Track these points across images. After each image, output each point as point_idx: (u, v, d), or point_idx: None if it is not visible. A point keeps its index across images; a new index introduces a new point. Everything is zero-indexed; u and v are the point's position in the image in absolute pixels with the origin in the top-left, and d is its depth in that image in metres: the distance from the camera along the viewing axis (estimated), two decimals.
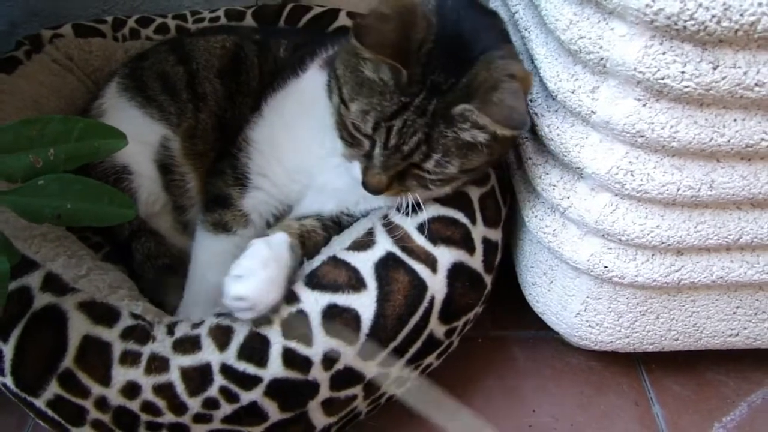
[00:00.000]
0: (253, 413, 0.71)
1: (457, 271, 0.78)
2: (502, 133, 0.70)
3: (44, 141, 0.61)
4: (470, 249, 0.80)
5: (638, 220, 0.75)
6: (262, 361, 0.70)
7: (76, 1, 1.25)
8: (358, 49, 0.68)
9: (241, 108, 0.96)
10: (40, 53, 1.07)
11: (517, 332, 1.02)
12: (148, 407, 0.70)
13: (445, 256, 0.77)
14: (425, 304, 0.75)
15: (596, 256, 0.79)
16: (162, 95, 0.96)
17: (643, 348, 0.89)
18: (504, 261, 0.90)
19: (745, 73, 0.63)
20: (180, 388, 0.70)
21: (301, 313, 0.71)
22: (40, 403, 0.71)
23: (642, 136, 0.69)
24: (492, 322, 1.01)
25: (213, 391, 0.70)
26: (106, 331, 0.71)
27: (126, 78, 0.99)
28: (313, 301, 0.72)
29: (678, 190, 0.72)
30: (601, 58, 0.68)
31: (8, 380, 0.71)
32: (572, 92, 0.72)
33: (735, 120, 0.68)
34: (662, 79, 0.65)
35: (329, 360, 0.71)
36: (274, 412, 0.72)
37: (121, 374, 0.70)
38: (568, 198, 0.78)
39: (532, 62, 0.82)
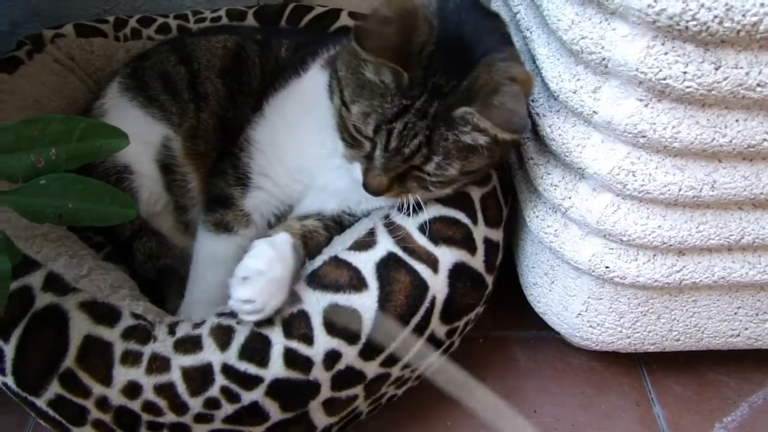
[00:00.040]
0: (254, 413, 0.71)
1: (458, 272, 0.78)
2: (503, 137, 0.70)
3: (46, 141, 0.61)
4: (471, 249, 0.80)
5: (640, 220, 0.75)
6: (263, 361, 0.70)
7: (78, 1, 1.25)
8: (359, 52, 0.68)
9: (243, 108, 0.96)
10: (41, 53, 1.07)
11: (519, 332, 1.02)
12: (149, 407, 0.70)
13: (447, 256, 0.77)
14: (426, 304, 0.75)
15: (598, 256, 0.79)
16: (163, 95, 0.96)
17: (644, 348, 0.89)
18: (505, 261, 0.90)
19: (747, 74, 0.63)
20: (181, 388, 0.70)
21: (303, 313, 0.71)
22: (41, 402, 0.71)
23: (644, 137, 0.69)
24: (493, 322, 1.01)
25: (214, 391, 0.70)
26: (108, 331, 0.71)
27: (127, 78, 0.99)
28: (315, 301, 0.72)
29: (680, 190, 0.72)
30: (603, 59, 0.67)
31: (9, 380, 0.71)
32: (574, 92, 0.72)
33: (737, 120, 0.68)
34: (664, 79, 0.65)
35: (330, 360, 0.71)
36: (275, 412, 0.72)
37: (122, 374, 0.70)
38: (570, 198, 0.78)
39: (534, 62, 0.82)
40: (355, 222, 0.86)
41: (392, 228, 0.78)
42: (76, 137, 0.62)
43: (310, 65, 0.88)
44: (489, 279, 0.83)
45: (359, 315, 0.72)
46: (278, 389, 0.71)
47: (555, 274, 0.87)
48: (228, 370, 0.70)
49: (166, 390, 0.70)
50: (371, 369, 0.74)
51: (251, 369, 0.70)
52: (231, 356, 0.70)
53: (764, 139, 0.68)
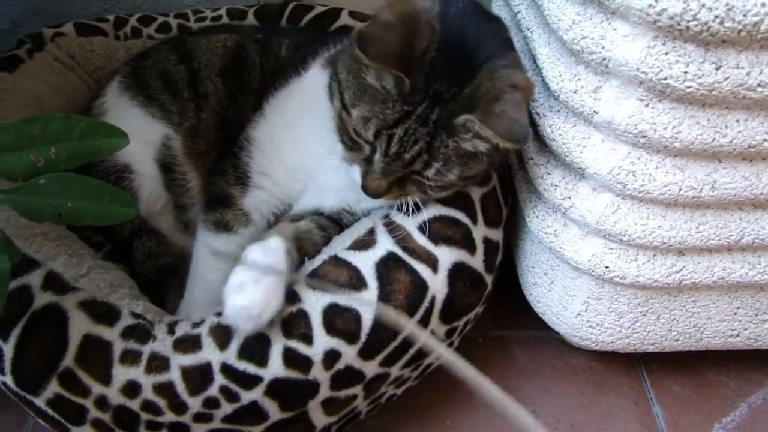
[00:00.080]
0: (253, 413, 0.71)
1: (458, 271, 0.78)
2: (504, 146, 0.70)
3: (45, 140, 0.61)
4: (471, 249, 0.80)
5: (640, 220, 0.75)
6: (262, 360, 0.70)
7: (78, 0, 1.25)
8: (362, 58, 0.67)
9: (243, 107, 0.96)
10: (41, 52, 1.07)
11: (518, 332, 1.02)
12: (149, 406, 0.70)
13: (446, 256, 0.77)
14: (426, 303, 0.75)
15: (597, 256, 0.79)
16: (163, 94, 0.96)
17: (643, 348, 0.89)
18: (505, 261, 0.90)
19: (747, 74, 0.63)
20: (180, 388, 0.70)
21: (302, 313, 0.71)
22: (40, 402, 0.71)
23: (644, 137, 0.69)
24: (493, 322, 1.01)
25: (213, 391, 0.70)
26: (107, 330, 0.71)
27: (127, 77, 0.99)
28: (314, 301, 0.72)
29: (680, 190, 0.72)
30: (604, 59, 0.67)
31: (8, 379, 0.71)
32: (574, 92, 0.72)
33: (737, 120, 0.68)
34: (665, 79, 0.64)
35: (330, 359, 0.71)
36: (274, 412, 0.72)
37: (121, 373, 0.70)
38: (570, 198, 0.78)
39: (535, 62, 0.82)
40: (354, 221, 0.86)
41: (392, 227, 0.78)
42: (76, 136, 0.62)
43: (310, 64, 0.88)
44: (488, 279, 0.83)
45: (359, 315, 0.72)
46: (277, 389, 0.71)
47: (555, 274, 0.87)
48: (227, 369, 0.70)
49: (165, 389, 0.70)
50: (371, 368, 0.74)
51: (250, 368, 0.70)
52: (230, 356, 0.70)
53: (765, 140, 0.68)
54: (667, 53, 0.64)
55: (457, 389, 0.89)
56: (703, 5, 0.59)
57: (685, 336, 0.87)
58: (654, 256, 0.78)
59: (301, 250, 0.80)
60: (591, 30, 0.68)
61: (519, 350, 1.00)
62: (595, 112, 0.71)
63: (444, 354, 0.59)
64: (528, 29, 0.85)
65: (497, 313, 0.99)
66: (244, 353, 0.70)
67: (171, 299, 0.89)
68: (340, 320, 0.71)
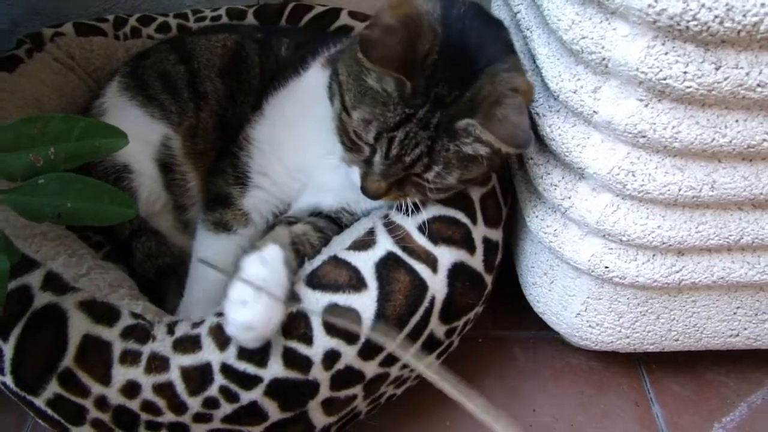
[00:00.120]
0: (253, 413, 0.71)
1: (457, 271, 0.78)
2: (506, 151, 0.70)
3: (45, 140, 0.61)
4: (471, 249, 0.80)
5: (639, 220, 0.75)
6: (262, 360, 0.70)
7: (78, 0, 1.25)
8: (364, 62, 0.67)
9: (242, 107, 0.96)
10: (41, 52, 1.07)
11: (518, 332, 1.02)
12: (148, 406, 0.70)
13: (446, 255, 0.77)
14: (426, 303, 0.75)
15: (597, 256, 0.79)
16: (163, 94, 0.96)
17: (643, 348, 0.89)
18: (504, 261, 0.90)
19: (747, 74, 0.63)
20: (180, 388, 0.69)
21: (302, 313, 0.71)
22: (39, 402, 0.71)
23: (644, 137, 0.69)
24: (492, 322, 1.01)
25: (213, 391, 0.70)
26: (107, 331, 0.71)
27: (127, 77, 0.99)
28: (314, 301, 0.72)
29: (679, 190, 0.72)
30: (603, 59, 0.67)
31: (8, 379, 0.71)
32: (574, 92, 0.72)
33: (737, 120, 0.68)
34: (664, 79, 0.64)
35: (329, 360, 0.71)
36: (274, 412, 0.72)
37: (121, 373, 0.69)
38: (570, 198, 0.78)
39: (534, 62, 0.82)
40: (354, 221, 0.86)
41: (392, 228, 0.78)
42: (75, 136, 0.62)
43: (310, 64, 0.88)
44: (488, 279, 0.83)
45: (358, 315, 0.72)
46: (277, 389, 0.71)
47: (554, 274, 0.87)
48: (227, 369, 0.70)
49: (165, 389, 0.69)
50: (370, 369, 0.74)
51: (250, 369, 0.70)
52: (230, 356, 0.70)
53: (764, 140, 0.68)
54: (666, 53, 0.64)
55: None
56: (703, 5, 0.59)
57: (684, 336, 0.87)
58: (653, 256, 0.78)
59: (299, 254, 0.80)
60: (590, 30, 0.68)
61: (519, 350, 1.00)
62: (594, 112, 0.71)
63: (428, 374, 0.60)
64: (527, 29, 0.85)
65: (497, 313, 0.99)
66: (244, 353, 0.70)
67: (170, 299, 0.89)
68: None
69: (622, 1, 0.63)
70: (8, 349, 0.70)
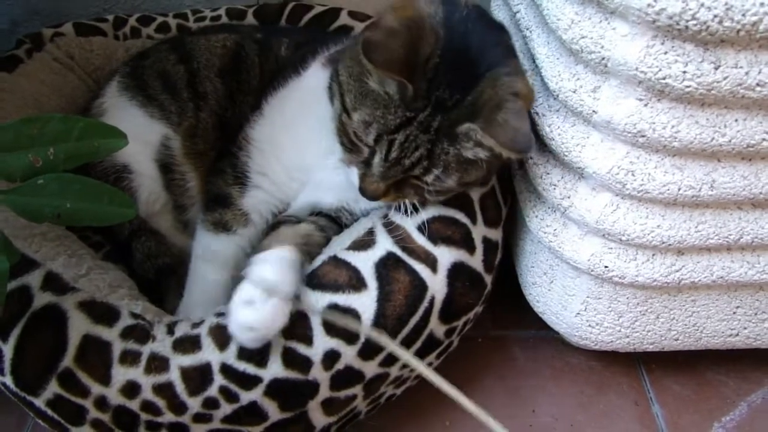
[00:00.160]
0: (252, 413, 0.71)
1: (457, 271, 0.78)
2: (508, 155, 0.70)
3: (44, 140, 0.61)
4: (470, 249, 0.80)
5: (639, 219, 0.75)
6: (262, 361, 0.70)
7: (77, 0, 1.25)
8: (366, 64, 0.67)
9: (242, 107, 0.96)
10: (41, 52, 1.07)
11: (518, 332, 1.02)
12: (148, 407, 0.70)
13: (446, 255, 0.77)
14: (425, 303, 0.75)
15: (597, 255, 0.79)
16: (163, 94, 0.96)
17: (643, 348, 0.89)
18: (504, 261, 0.90)
19: (746, 73, 0.63)
20: (180, 388, 0.70)
21: (302, 313, 0.71)
22: (39, 402, 0.71)
23: (643, 136, 0.69)
24: (492, 321, 1.01)
25: (213, 391, 0.70)
26: (106, 331, 0.71)
27: (127, 77, 0.99)
28: (314, 301, 0.72)
29: (679, 189, 0.72)
30: (603, 58, 0.67)
31: (8, 380, 0.71)
32: (573, 92, 0.72)
33: (736, 120, 0.68)
34: (664, 78, 0.64)
35: (329, 360, 0.71)
36: (274, 412, 0.72)
37: (120, 374, 0.69)
38: (569, 198, 0.78)
39: (534, 62, 0.82)
40: (354, 221, 0.86)
41: (391, 228, 0.78)
42: (75, 137, 0.62)
43: (310, 64, 0.88)
44: (488, 278, 0.83)
45: (358, 315, 0.72)
46: (277, 389, 0.71)
47: (554, 274, 0.87)
48: (227, 369, 0.70)
49: (164, 390, 0.69)
50: (370, 369, 0.74)
51: (250, 369, 0.70)
52: (230, 356, 0.70)
53: (763, 139, 0.68)
54: (666, 53, 0.64)
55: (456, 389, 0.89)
56: (702, 5, 0.59)
57: (684, 335, 0.87)
58: (653, 255, 0.78)
59: (309, 255, 0.79)
60: (590, 29, 0.68)
61: (518, 350, 1.00)
62: (594, 111, 0.71)
63: (427, 374, 0.60)
64: (527, 29, 0.85)
65: (497, 312, 0.99)
66: (244, 353, 0.70)
67: (170, 299, 0.88)
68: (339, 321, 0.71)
69: (621, 1, 0.63)
70: (8, 349, 0.70)
